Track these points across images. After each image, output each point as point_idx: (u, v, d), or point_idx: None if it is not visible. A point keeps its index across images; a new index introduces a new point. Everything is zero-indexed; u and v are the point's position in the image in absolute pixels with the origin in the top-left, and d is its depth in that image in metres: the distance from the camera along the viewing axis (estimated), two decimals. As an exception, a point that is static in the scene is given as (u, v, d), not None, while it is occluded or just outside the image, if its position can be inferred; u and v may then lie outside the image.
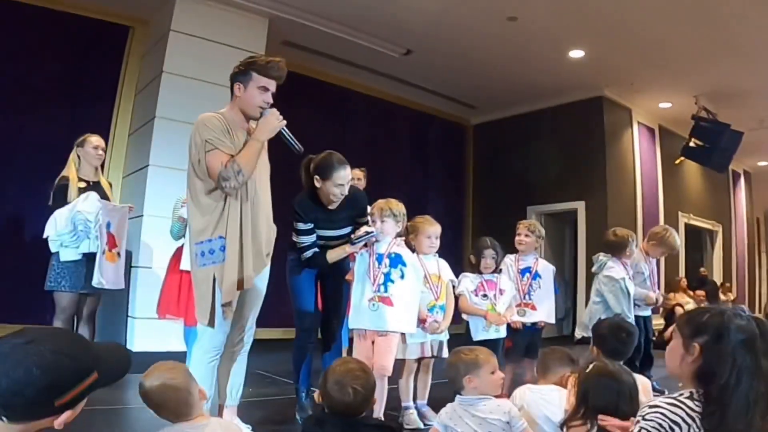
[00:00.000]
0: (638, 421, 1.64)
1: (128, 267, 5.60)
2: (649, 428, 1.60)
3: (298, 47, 7.38)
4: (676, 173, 10.34)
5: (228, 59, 5.93)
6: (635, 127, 9.39)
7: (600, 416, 2.02)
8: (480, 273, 3.83)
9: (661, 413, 1.61)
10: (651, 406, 1.64)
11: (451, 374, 2.34)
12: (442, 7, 6.43)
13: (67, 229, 4.10)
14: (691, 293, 9.58)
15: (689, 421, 1.59)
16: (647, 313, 4.97)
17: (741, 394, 1.57)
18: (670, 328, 5.81)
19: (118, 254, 4.37)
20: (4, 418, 1.19)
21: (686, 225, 10.66)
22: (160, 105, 5.92)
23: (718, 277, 11.75)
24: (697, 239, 11.79)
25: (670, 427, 1.58)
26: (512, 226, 4.47)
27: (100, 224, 4.15)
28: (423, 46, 7.50)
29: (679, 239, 5.23)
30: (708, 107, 8.52)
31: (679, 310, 7.96)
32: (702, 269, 11.53)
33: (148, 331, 5.27)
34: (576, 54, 7.51)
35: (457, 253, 8.32)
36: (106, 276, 4.20)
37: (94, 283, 4.13)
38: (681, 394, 1.65)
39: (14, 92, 6.04)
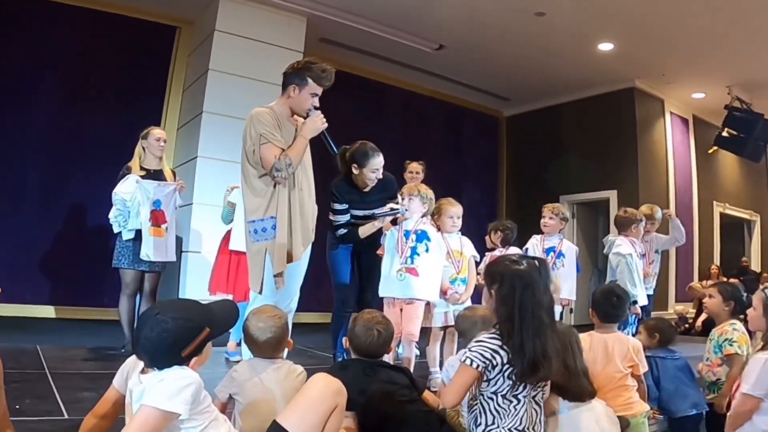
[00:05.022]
0: (465, 353, 2.04)
1: (179, 251, 6.02)
2: (473, 357, 2.01)
3: (335, 44, 7.70)
4: (711, 163, 10.30)
5: (270, 56, 6.43)
6: (668, 117, 9.42)
7: None
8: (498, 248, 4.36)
9: (483, 345, 2.02)
10: (476, 341, 2.06)
11: (465, 326, 2.62)
12: (471, 4, 6.64)
13: (115, 212, 4.44)
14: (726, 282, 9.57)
15: (507, 348, 1.99)
16: (648, 291, 5.17)
17: (527, 324, 1.97)
18: (701, 317, 5.95)
19: (166, 230, 4.53)
20: (155, 368, 1.65)
21: (721, 214, 10.63)
22: (207, 100, 6.30)
23: (757, 266, 11.64)
24: (735, 229, 11.70)
25: (491, 356, 1.99)
26: (546, 215, 4.82)
27: (139, 202, 4.38)
28: (455, 42, 7.72)
29: (654, 206, 5.48)
30: (742, 97, 8.52)
31: (708, 300, 7.98)
32: (744, 259, 11.48)
33: (197, 312, 5.67)
34: (605, 47, 7.61)
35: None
36: (150, 249, 4.41)
37: (142, 256, 4.40)
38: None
39: (74, 91, 6.52)
